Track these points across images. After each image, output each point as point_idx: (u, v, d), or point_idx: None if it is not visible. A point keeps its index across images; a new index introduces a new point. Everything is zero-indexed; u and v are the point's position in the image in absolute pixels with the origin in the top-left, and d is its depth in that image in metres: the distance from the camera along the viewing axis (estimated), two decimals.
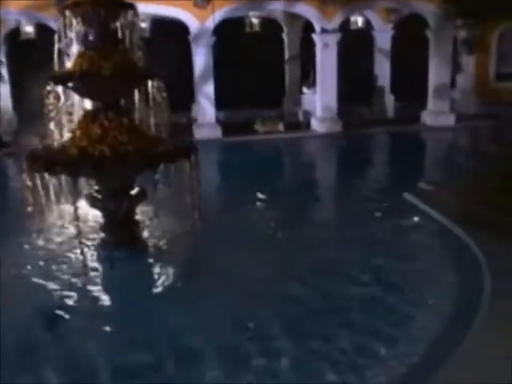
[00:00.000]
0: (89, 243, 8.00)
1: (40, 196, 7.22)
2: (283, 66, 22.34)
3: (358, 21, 20.24)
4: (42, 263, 7.40)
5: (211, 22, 17.27)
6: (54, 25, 13.84)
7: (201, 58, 17.57)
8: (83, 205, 7.93)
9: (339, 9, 17.65)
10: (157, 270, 7.29)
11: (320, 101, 18.32)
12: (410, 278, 6.65)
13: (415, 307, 5.91)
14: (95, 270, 7.33)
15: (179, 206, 8.32)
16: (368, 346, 5.14)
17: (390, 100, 21.58)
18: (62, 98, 7.66)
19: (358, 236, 8.18)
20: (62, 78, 7.41)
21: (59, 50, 7.55)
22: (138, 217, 8.13)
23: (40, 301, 6.37)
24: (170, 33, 18.90)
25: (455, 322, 5.52)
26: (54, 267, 7.26)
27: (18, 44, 19.40)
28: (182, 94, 17.75)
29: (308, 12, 17.83)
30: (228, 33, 19.41)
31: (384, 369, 4.78)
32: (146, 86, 7.89)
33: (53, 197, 7.49)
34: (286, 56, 22.18)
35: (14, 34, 19.44)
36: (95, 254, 7.75)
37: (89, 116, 7.55)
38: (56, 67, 7.61)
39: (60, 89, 7.55)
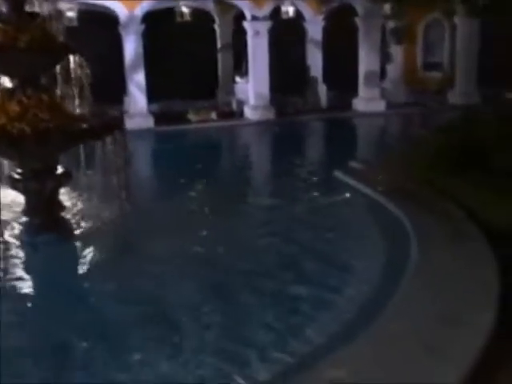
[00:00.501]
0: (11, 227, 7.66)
1: None
2: (216, 56, 22.22)
3: (289, 10, 20.29)
4: None
5: (139, 10, 17.01)
6: None
7: (130, 46, 17.25)
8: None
9: None
10: (81, 253, 7.04)
11: (253, 89, 18.33)
12: (342, 246, 6.80)
13: (346, 271, 6.08)
14: (17, 255, 7.02)
15: (107, 187, 8.10)
16: (303, 307, 5.28)
17: (322, 90, 21.77)
18: None
19: (291, 212, 8.25)
20: None
21: None
22: (62, 199, 7.83)
23: None
24: (100, 23, 18.45)
25: (386, 283, 5.64)
26: None
27: None
28: (113, 87, 17.36)
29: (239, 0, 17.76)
30: (158, 23, 19.12)
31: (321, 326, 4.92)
32: (68, 62, 7.60)
33: None
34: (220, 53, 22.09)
35: None
36: (18, 239, 7.42)
37: (6, 93, 7.21)
38: None
39: None
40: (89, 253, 7.01)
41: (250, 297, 5.53)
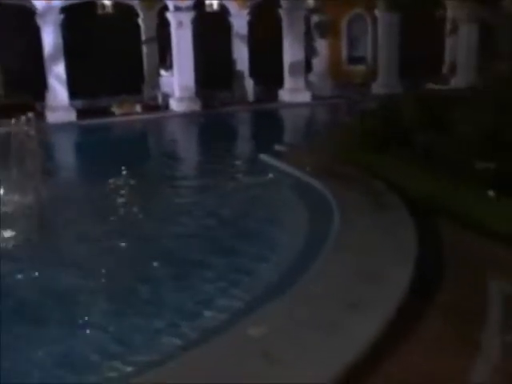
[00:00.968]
0: None
1: None
2: (141, 51, 21.83)
3: (213, 3, 20.25)
4: None
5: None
6: None
7: (49, 37, 16.67)
8: None
9: None
10: None
11: (177, 80, 18.13)
12: (268, 219, 6.99)
13: (272, 241, 6.27)
14: None
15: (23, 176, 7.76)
16: (230, 273, 5.53)
17: (249, 84, 21.77)
18: None
19: (218, 191, 8.45)
20: None
21: None
22: None
23: None
24: (18, 15, 17.77)
25: (309, 249, 5.73)
26: None
27: None
28: (33, 82, 16.75)
29: None
30: (80, 15, 18.57)
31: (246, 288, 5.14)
32: None
33: None
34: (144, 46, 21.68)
35: None
36: None
37: None
38: None
39: None
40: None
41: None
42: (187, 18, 17.70)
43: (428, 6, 23.18)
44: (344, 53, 24.81)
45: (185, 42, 17.85)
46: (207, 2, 20.04)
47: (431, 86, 19.74)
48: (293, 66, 19.39)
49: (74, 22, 17.50)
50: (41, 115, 15.65)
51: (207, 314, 4.77)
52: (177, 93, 18.19)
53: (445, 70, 23.82)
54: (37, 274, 5.71)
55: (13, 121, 6.98)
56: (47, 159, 7.78)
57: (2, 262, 5.86)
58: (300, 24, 19.39)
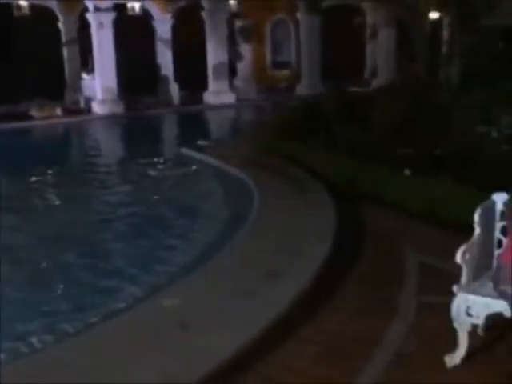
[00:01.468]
0: None
1: None
2: (62, 54, 21.24)
3: (135, 6, 19.96)
4: None
5: None
6: None
7: None
8: None
9: None
10: None
11: (99, 82, 17.76)
12: (192, 204, 7.25)
13: (195, 222, 6.51)
14: None
15: None
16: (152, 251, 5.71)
17: (174, 89, 21.57)
18: None
19: (143, 183, 8.61)
20: None
21: None
22: None
23: None
24: None
25: (229, 229, 5.77)
26: None
27: None
28: None
29: None
30: None
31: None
32: None
33: None
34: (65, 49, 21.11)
35: None
36: None
37: None
38: None
39: None
40: None
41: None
42: (108, 18, 17.38)
43: (347, 12, 23.80)
44: (268, 57, 25.01)
45: (106, 44, 17.51)
46: (129, 5, 19.73)
47: (353, 88, 20.19)
48: (216, 68, 19.38)
49: None
50: None
51: (129, 288, 4.80)
52: (99, 95, 17.81)
53: (366, 74, 24.47)
54: None
55: None
56: None
57: None
58: (223, 26, 19.43)
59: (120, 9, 18.82)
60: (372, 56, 24.42)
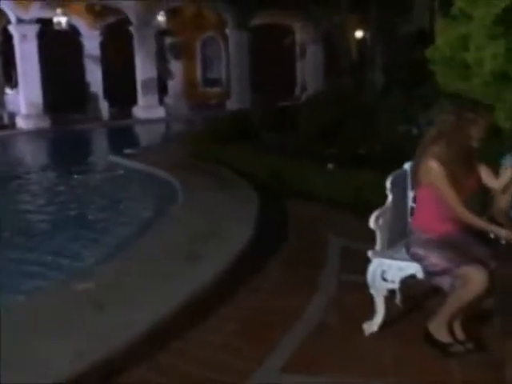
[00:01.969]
0: None
1: None
2: None
3: (62, 21, 19.57)
4: None
5: None
6: None
7: None
8: None
9: None
10: None
11: (24, 97, 17.27)
12: (121, 203, 7.34)
13: (123, 216, 6.60)
14: None
15: None
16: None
17: (104, 106, 21.26)
18: None
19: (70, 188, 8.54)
20: None
21: None
22: None
23: None
24: None
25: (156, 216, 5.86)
26: None
27: None
28: None
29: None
30: None
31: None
32: None
33: None
34: None
35: None
36: None
37: None
38: None
39: None
40: None
41: None
42: (31, 31, 16.96)
43: (278, 31, 24.24)
44: (199, 75, 25.07)
45: (30, 57, 17.06)
46: (55, 20, 19.33)
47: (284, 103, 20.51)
48: (146, 83, 19.24)
49: None
50: None
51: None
52: (23, 110, 17.31)
53: (297, 91, 24.90)
54: None
55: None
56: None
57: None
58: (151, 41, 19.33)
59: (46, 23, 18.44)
60: (302, 73, 24.93)
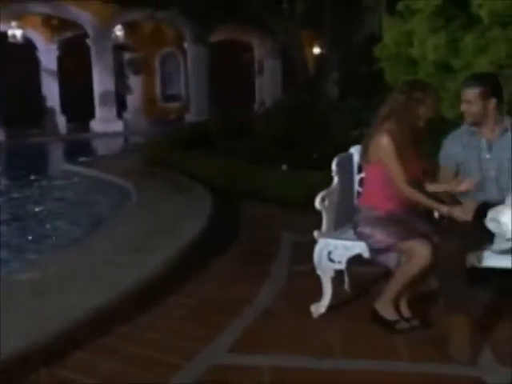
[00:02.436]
0: None
1: None
2: None
3: (17, 34, 19.32)
4: None
5: None
6: None
7: None
8: None
9: None
10: None
11: None
12: (78, 206, 7.34)
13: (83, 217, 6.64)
14: None
15: None
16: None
17: (61, 121, 21.01)
18: None
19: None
20: None
21: None
22: None
23: None
24: None
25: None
26: None
27: None
28: None
29: None
30: None
31: None
32: None
33: None
34: None
35: None
36: None
37: None
38: None
39: None
40: None
41: None
42: None
43: (237, 47, 24.44)
44: (158, 90, 25.04)
45: None
46: (9, 33, 19.08)
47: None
48: (103, 96, 19.09)
49: None
50: None
51: None
52: None
53: (256, 107, 25.08)
54: None
55: None
56: None
57: None
58: (108, 54, 19.21)
59: (1, 36, 18.21)
60: (260, 89, 25.13)
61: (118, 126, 19.28)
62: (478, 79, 3.21)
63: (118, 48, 21.88)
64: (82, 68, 20.93)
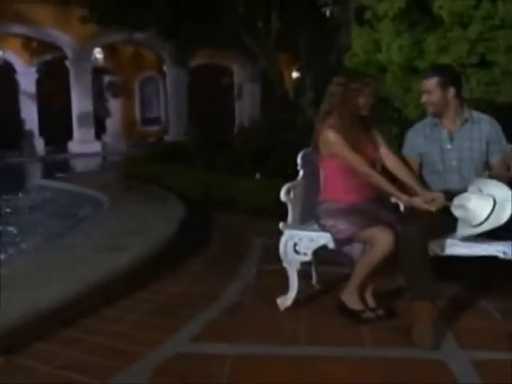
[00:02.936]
0: None
1: None
2: None
3: None
4: None
5: None
6: None
7: None
8: None
9: None
10: None
11: None
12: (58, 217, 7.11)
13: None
14: None
15: None
16: None
17: (39, 143, 20.88)
18: None
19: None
20: None
21: None
22: None
23: None
24: None
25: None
26: None
27: None
28: None
29: None
30: None
31: None
32: None
33: None
34: None
35: None
36: None
37: None
38: None
39: None
40: None
41: None
42: None
43: (217, 72, 24.67)
44: (138, 114, 25.08)
45: None
46: None
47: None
48: (81, 117, 19.03)
49: None
50: None
51: None
52: None
53: (235, 130, 25.20)
54: None
55: None
56: None
57: None
58: (87, 76, 19.19)
59: None
60: (240, 113, 25.28)
61: (96, 147, 19.20)
62: (436, 70, 3.30)
63: (99, 71, 21.97)
64: (61, 91, 20.90)
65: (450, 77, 3.22)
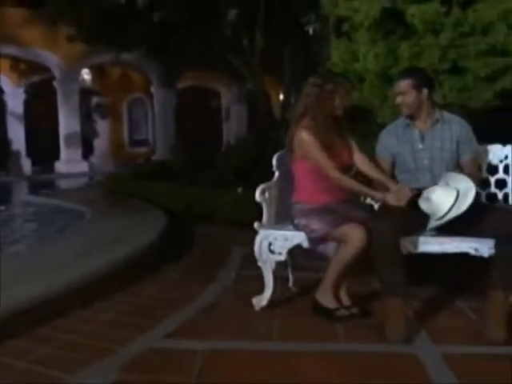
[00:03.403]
0: None
1: None
2: None
3: None
4: None
5: None
6: None
7: None
8: None
9: None
10: None
11: None
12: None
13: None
14: None
15: None
16: None
17: (26, 164, 20.85)
18: None
19: None
20: None
21: None
22: None
23: None
24: None
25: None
26: None
27: None
28: None
29: None
30: None
31: None
32: None
33: None
34: None
35: None
36: None
37: None
38: None
39: None
40: None
41: None
42: None
43: (206, 94, 24.83)
44: (126, 135, 25.11)
45: None
46: None
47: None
48: (68, 137, 19.01)
49: None
50: None
51: None
52: None
53: (223, 149, 25.29)
54: None
55: None
56: None
57: None
58: (75, 96, 19.21)
59: None
60: (227, 135, 25.40)
61: (83, 167, 19.15)
62: (409, 72, 3.38)
63: (87, 93, 22.05)
64: (49, 112, 20.94)
65: (423, 79, 3.30)
